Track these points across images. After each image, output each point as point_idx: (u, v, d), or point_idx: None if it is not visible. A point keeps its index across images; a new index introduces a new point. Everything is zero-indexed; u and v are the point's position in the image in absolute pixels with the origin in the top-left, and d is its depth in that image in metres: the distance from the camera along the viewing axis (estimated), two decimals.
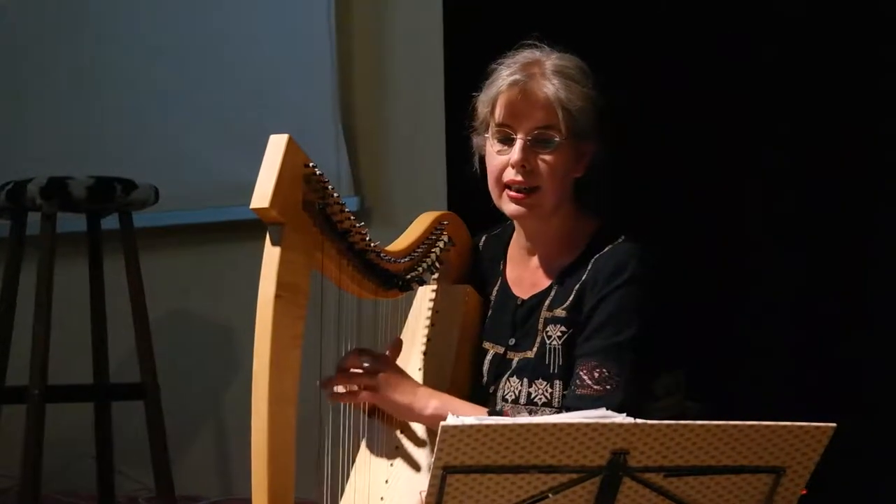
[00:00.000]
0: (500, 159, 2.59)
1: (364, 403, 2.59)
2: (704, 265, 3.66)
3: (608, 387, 2.50)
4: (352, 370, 2.56)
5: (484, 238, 2.83)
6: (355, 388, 2.56)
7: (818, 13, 3.60)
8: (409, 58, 4.54)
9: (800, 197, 3.61)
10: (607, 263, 2.57)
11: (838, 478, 2.80)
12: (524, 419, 1.99)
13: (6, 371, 4.33)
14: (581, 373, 2.52)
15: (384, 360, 2.59)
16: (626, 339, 2.52)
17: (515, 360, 2.66)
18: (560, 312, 2.61)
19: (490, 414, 2.53)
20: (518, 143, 2.57)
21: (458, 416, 1.99)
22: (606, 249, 2.59)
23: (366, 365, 2.56)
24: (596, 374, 2.51)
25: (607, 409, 2.41)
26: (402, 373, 2.60)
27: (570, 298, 2.61)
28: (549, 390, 2.59)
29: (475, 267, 2.80)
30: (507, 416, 2.53)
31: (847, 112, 3.56)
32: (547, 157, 2.57)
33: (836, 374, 3.53)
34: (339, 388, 2.56)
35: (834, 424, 2.03)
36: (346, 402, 2.58)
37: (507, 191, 2.60)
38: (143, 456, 4.35)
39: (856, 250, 3.56)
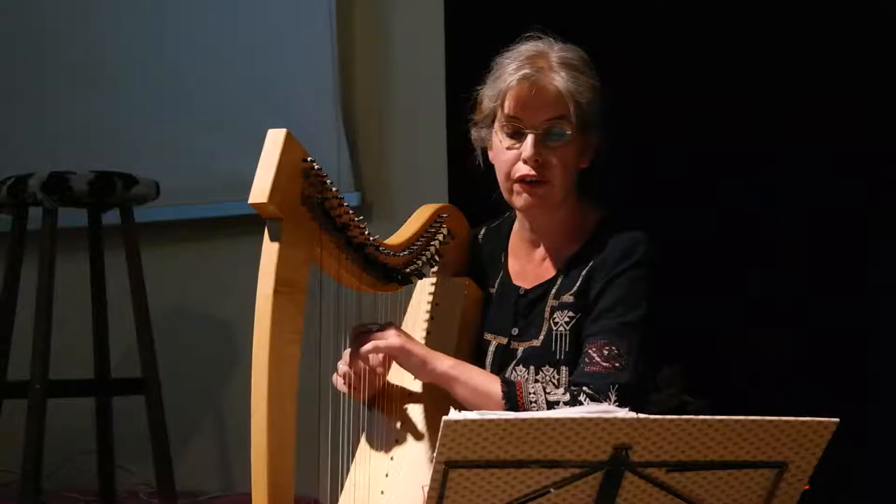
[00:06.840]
0: (511, 154, 2.59)
1: (364, 393, 2.57)
2: (705, 258, 3.65)
3: (617, 364, 2.50)
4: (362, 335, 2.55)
5: (483, 230, 2.82)
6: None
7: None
8: (410, 52, 4.52)
9: (802, 192, 3.60)
10: (616, 247, 2.58)
11: (841, 473, 2.79)
12: (526, 414, 1.98)
13: (7, 366, 4.33)
14: (590, 350, 2.53)
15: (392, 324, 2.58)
16: (635, 320, 2.53)
17: (521, 349, 2.65)
18: (567, 298, 2.61)
19: (503, 383, 2.53)
20: (529, 138, 2.57)
21: (460, 411, 1.98)
22: (614, 235, 2.60)
23: (374, 327, 2.55)
24: (605, 352, 2.51)
25: (617, 385, 2.45)
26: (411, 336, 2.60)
27: (578, 284, 2.61)
28: (556, 376, 2.59)
29: (475, 259, 2.80)
30: (519, 386, 2.52)
31: (850, 112, 3.54)
32: (558, 150, 2.58)
33: (839, 369, 3.53)
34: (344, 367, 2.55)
35: (837, 419, 2.02)
36: (360, 369, 2.55)
37: (518, 185, 2.59)
38: (143, 451, 4.35)
39: (857, 245, 3.55)
